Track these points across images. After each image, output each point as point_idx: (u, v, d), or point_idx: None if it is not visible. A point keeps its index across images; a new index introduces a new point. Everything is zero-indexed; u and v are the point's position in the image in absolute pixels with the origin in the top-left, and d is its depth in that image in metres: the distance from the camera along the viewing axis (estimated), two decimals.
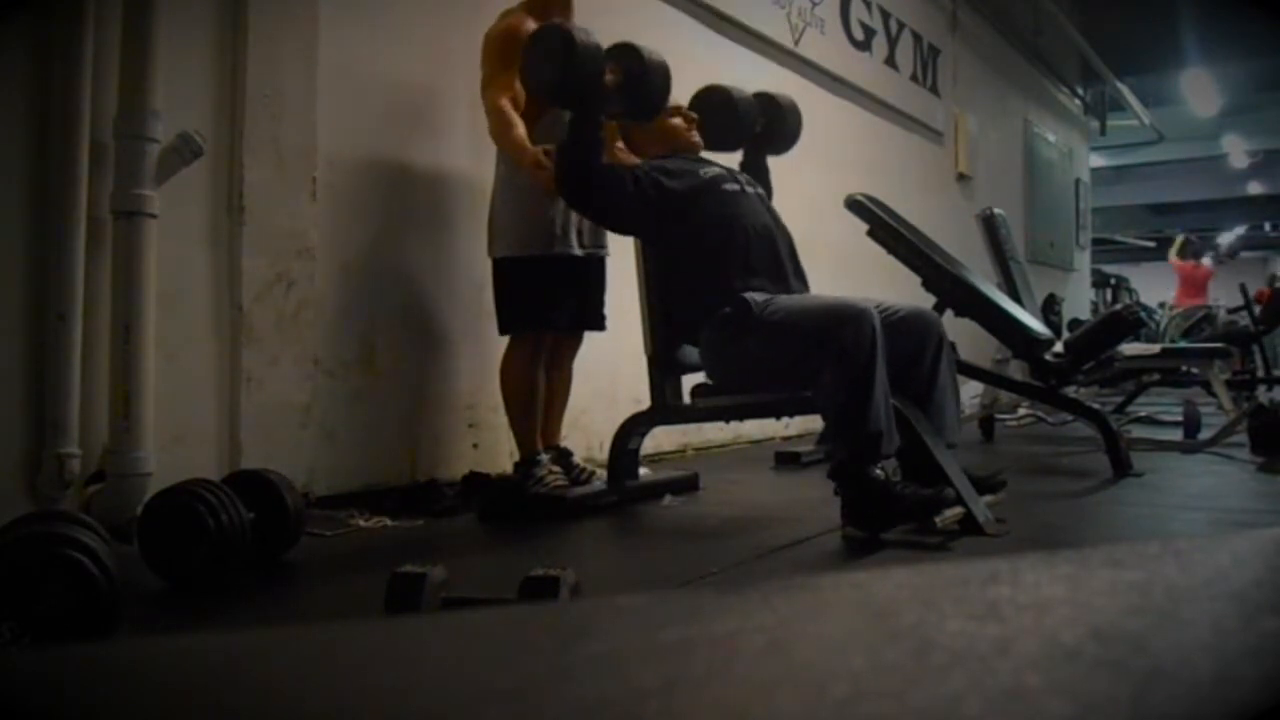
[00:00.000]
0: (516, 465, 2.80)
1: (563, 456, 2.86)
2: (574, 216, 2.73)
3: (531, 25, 2.70)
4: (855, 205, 3.20)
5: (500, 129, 2.63)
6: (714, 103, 2.96)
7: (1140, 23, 8.89)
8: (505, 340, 2.79)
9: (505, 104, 2.62)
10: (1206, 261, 11.21)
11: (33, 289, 2.06)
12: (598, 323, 2.90)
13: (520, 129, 2.60)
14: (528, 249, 2.70)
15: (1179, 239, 10.83)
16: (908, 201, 4.28)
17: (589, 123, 2.53)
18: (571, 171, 2.51)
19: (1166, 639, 0.31)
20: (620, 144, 2.84)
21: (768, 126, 3.01)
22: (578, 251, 2.74)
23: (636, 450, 2.93)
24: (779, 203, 2.92)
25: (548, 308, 2.73)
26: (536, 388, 2.77)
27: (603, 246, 2.88)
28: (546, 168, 2.52)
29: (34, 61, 2.07)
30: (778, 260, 2.64)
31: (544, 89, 2.53)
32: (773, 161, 3.08)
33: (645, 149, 2.79)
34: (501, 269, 2.76)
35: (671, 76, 2.63)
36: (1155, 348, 5.05)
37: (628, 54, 2.61)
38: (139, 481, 2.06)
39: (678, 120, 2.81)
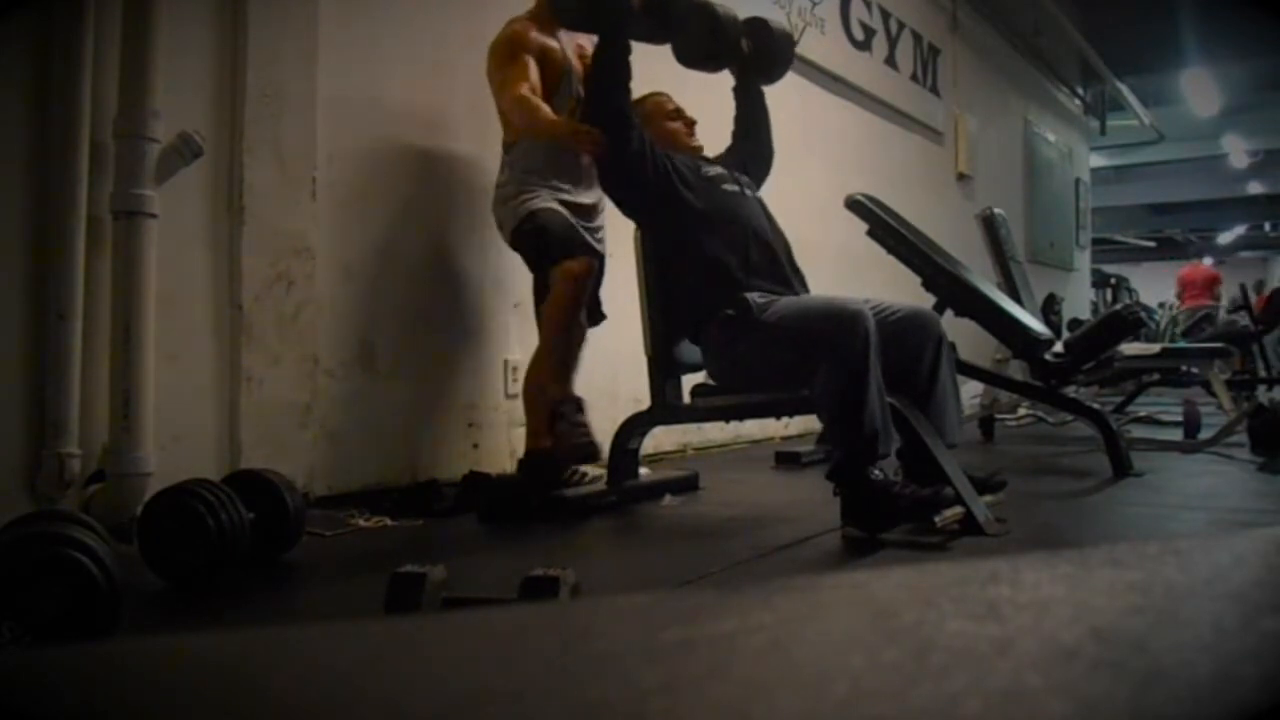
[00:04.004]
0: (519, 464, 2.80)
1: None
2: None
3: (535, 32, 2.70)
4: (855, 205, 3.19)
5: (528, 116, 2.63)
6: (687, 8, 2.80)
7: (1140, 23, 8.89)
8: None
9: (526, 91, 2.63)
10: (1208, 261, 11.23)
11: (33, 289, 2.06)
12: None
13: (546, 109, 2.62)
14: None
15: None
16: (908, 201, 4.28)
17: (618, 46, 2.55)
18: (602, 96, 2.55)
19: (1166, 639, 0.31)
20: None
21: (755, 48, 2.94)
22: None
23: (636, 450, 2.93)
24: (779, 203, 2.92)
25: (577, 238, 2.74)
26: (576, 335, 2.73)
27: (599, 242, 2.87)
28: (587, 131, 2.54)
29: (34, 61, 2.06)
30: (776, 263, 2.64)
31: (572, 13, 2.56)
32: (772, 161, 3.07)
33: None
34: (521, 232, 2.73)
35: None
36: (1155, 348, 5.04)
37: None
38: (139, 481, 2.06)
39: (678, 124, 2.81)
